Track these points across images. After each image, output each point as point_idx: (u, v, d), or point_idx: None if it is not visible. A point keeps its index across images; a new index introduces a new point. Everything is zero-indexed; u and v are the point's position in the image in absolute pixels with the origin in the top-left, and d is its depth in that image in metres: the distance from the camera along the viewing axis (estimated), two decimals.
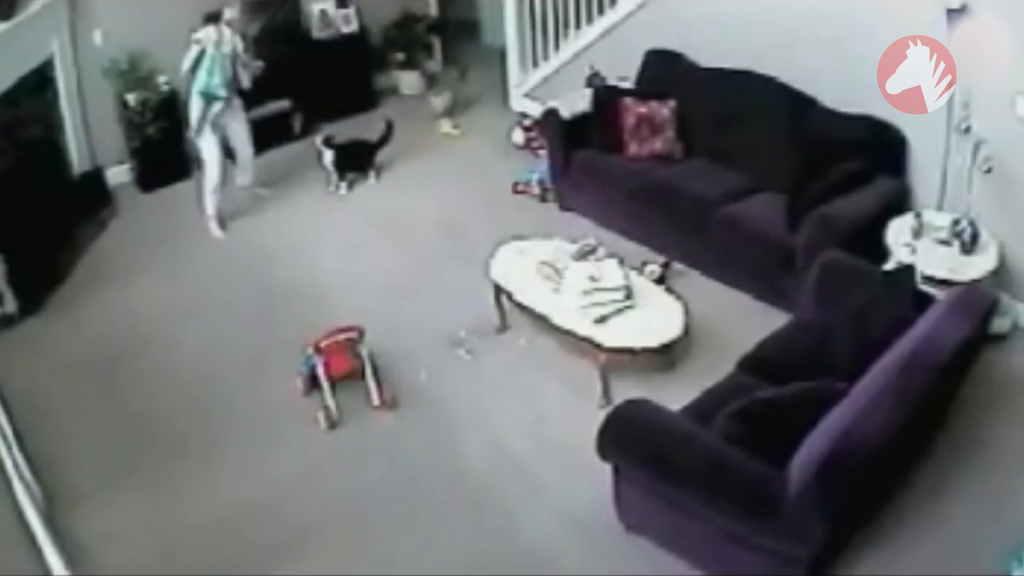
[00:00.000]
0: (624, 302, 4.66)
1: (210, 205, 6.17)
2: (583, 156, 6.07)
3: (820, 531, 3.27)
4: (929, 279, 4.45)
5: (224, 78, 5.86)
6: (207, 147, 6.04)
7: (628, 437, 3.66)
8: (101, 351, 5.19)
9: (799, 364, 3.91)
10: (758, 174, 5.51)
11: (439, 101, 7.70)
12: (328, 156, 6.61)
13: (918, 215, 4.87)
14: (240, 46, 5.93)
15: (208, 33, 5.79)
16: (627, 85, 6.32)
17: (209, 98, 5.87)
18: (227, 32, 5.84)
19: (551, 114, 6.19)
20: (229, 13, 5.90)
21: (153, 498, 4.21)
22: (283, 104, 7.35)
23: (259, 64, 6.18)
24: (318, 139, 6.68)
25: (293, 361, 4.78)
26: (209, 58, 5.77)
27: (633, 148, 5.94)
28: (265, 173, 6.73)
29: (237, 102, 6.14)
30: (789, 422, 3.40)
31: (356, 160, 6.79)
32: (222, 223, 6.22)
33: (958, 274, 4.54)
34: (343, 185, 6.69)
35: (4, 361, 4.97)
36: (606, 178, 5.93)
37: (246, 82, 6.08)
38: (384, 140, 6.84)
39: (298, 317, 5.26)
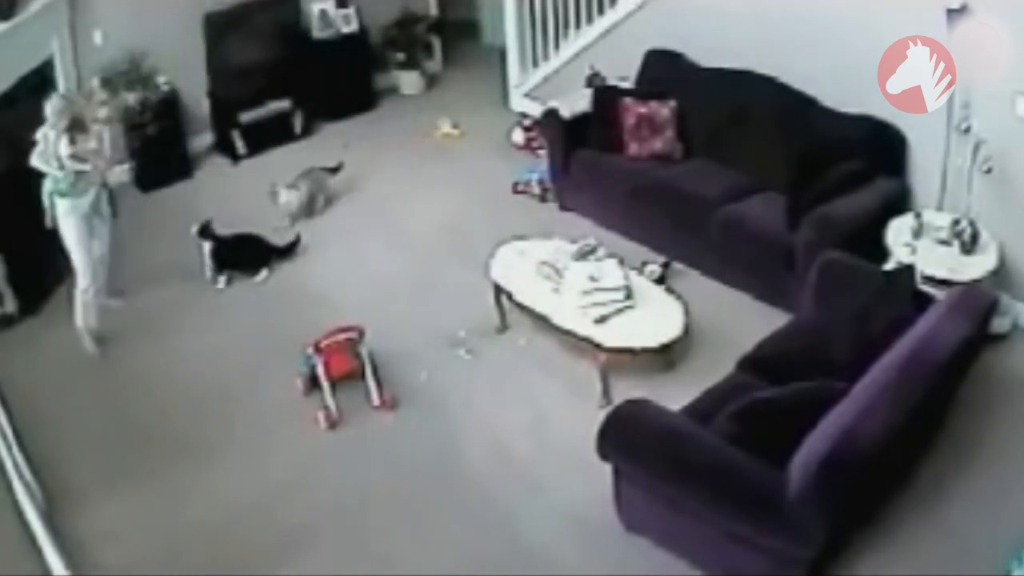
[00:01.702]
0: (624, 302, 4.66)
1: (79, 315, 5.12)
2: (583, 156, 6.06)
3: (820, 531, 3.27)
4: (929, 279, 4.45)
5: (70, 183, 4.87)
6: (74, 249, 5.02)
7: (628, 437, 3.67)
8: (101, 351, 5.18)
9: (799, 364, 3.92)
10: (758, 174, 5.51)
11: (292, 197, 6.28)
12: (206, 248, 5.68)
13: (918, 215, 4.87)
14: (65, 151, 4.76)
15: (40, 137, 4.82)
16: (627, 85, 6.32)
17: (63, 196, 4.91)
18: (51, 135, 4.78)
19: (551, 114, 6.19)
20: (48, 109, 4.81)
21: (153, 498, 4.21)
22: (283, 104, 7.35)
23: (103, 153, 5.03)
24: (193, 228, 5.66)
25: (293, 361, 4.78)
26: (46, 163, 4.82)
27: (633, 148, 5.94)
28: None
29: (103, 200, 5.15)
30: (789, 422, 3.41)
31: (241, 257, 5.81)
32: (98, 339, 5.19)
33: (958, 274, 4.54)
34: (221, 279, 5.74)
35: (4, 361, 4.97)
36: (606, 178, 5.93)
37: (110, 177, 5.10)
38: (288, 250, 5.97)
39: (298, 317, 5.27)
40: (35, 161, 4.85)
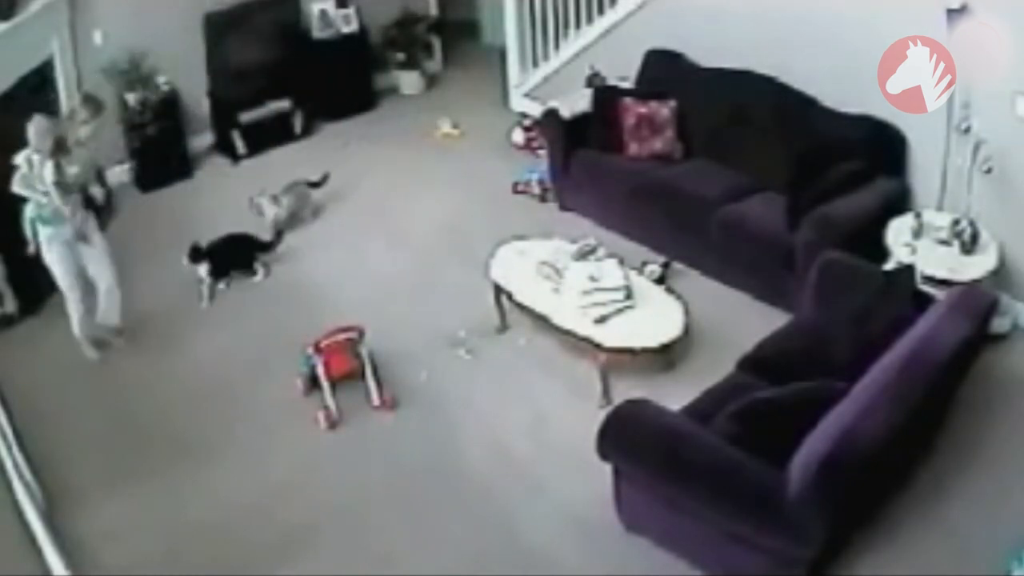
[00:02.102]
0: (624, 302, 4.66)
1: (76, 327, 5.08)
2: (583, 156, 6.06)
3: (820, 531, 3.27)
4: (929, 279, 4.45)
5: (53, 208, 4.71)
6: (59, 275, 4.94)
7: (628, 437, 3.67)
8: (101, 355, 5.17)
9: (799, 364, 3.92)
10: (758, 174, 5.51)
11: (275, 210, 6.13)
12: (203, 271, 5.55)
13: (918, 215, 4.87)
14: (50, 177, 4.59)
15: (21, 162, 4.66)
16: (627, 85, 6.32)
17: (46, 223, 4.79)
18: (35, 160, 4.62)
19: (551, 114, 6.19)
20: (32, 130, 4.61)
21: (153, 498, 4.22)
22: (283, 104, 7.35)
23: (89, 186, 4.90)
24: (185, 260, 5.51)
25: (293, 361, 4.78)
26: (29, 188, 4.68)
27: (633, 148, 5.94)
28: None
29: (90, 223, 4.98)
30: (789, 422, 3.41)
31: (237, 258, 5.76)
32: (98, 344, 5.17)
33: (958, 274, 4.54)
34: (220, 285, 5.68)
35: (4, 361, 4.97)
36: (606, 178, 5.93)
37: (97, 199, 4.99)
38: (272, 245, 5.91)
39: (298, 317, 5.27)
40: (17, 187, 4.68)
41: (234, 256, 5.76)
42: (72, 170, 4.75)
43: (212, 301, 5.63)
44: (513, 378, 4.85)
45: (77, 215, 4.84)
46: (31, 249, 4.90)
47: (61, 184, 4.65)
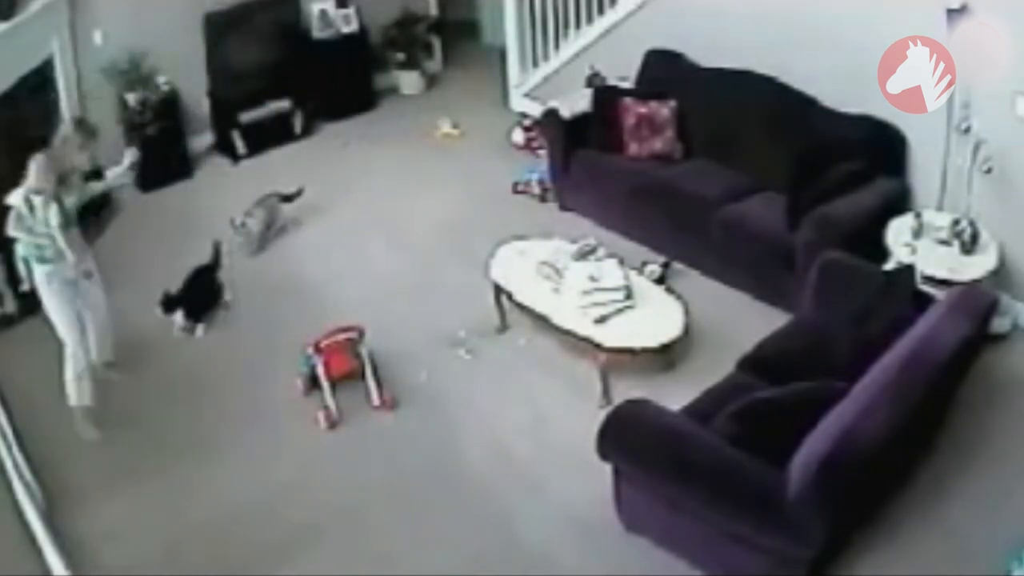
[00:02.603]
0: (624, 302, 4.66)
1: (74, 393, 4.55)
2: (583, 156, 6.06)
3: (820, 531, 3.27)
4: (929, 279, 4.45)
5: (56, 249, 4.39)
6: (58, 321, 4.56)
7: (628, 437, 3.67)
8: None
9: (799, 364, 3.92)
10: (758, 174, 5.51)
11: (250, 224, 5.99)
12: (179, 319, 5.31)
13: (918, 215, 4.87)
14: (55, 220, 4.29)
15: (19, 203, 4.34)
16: (627, 85, 6.32)
17: (46, 262, 4.45)
18: (37, 202, 4.30)
19: (551, 114, 6.19)
20: (33, 169, 4.32)
21: (153, 498, 4.22)
22: (283, 104, 7.36)
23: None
24: (158, 310, 5.24)
25: (293, 361, 4.78)
26: (27, 231, 4.37)
27: (633, 148, 5.94)
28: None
29: (90, 257, 4.72)
30: (789, 422, 3.41)
31: (205, 295, 5.50)
32: (94, 419, 4.62)
33: (958, 274, 4.54)
34: (199, 327, 5.38)
35: (4, 361, 4.97)
36: (606, 178, 5.93)
37: (109, 177, 4.81)
38: (216, 262, 5.62)
39: (298, 317, 5.27)
40: (13, 231, 4.37)
41: (206, 291, 5.50)
42: (70, 200, 4.51)
43: (197, 330, 5.38)
44: (513, 378, 4.85)
45: (79, 252, 4.53)
46: (25, 286, 4.64)
47: (64, 223, 4.38)
